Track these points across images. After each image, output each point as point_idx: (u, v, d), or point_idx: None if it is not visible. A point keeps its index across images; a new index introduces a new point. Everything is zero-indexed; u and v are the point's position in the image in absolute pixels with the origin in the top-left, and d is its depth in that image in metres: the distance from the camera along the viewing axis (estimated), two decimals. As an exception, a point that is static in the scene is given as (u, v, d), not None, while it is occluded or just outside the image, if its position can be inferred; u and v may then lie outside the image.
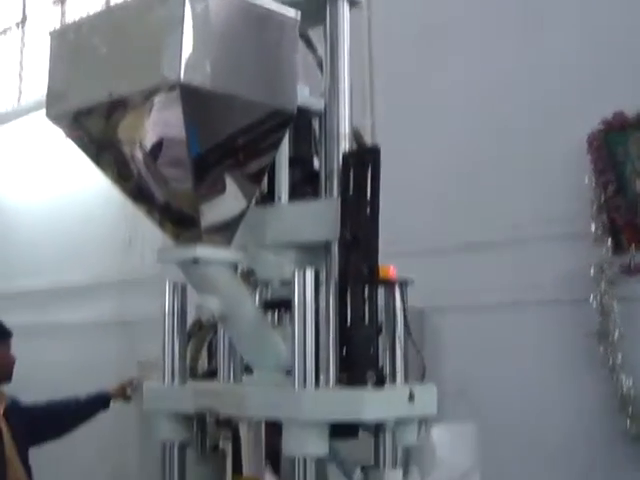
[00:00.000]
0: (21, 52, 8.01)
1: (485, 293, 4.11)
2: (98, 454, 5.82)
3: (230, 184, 2.31)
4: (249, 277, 2.37)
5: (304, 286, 2.16)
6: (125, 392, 5.08)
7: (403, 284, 2.23)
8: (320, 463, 2.22)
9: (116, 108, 2.17)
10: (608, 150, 3.94)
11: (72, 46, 2.26)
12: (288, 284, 2.26)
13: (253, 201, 2.38)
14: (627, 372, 3.74)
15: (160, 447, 2.51)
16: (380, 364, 2.29)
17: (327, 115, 2.45)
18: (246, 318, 2.31)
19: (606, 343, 3.77)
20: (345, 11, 2.45)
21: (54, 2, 7.75)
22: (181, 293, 2.49)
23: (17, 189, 7.12)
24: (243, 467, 2.52)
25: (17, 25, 8.14)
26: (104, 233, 6.03)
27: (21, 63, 7.95)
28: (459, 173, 4.24)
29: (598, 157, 3.94)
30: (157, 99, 2.06)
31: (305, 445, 2.15)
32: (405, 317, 2.25)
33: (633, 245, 3.82)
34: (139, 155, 2.24)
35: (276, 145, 2.33)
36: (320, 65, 2.55)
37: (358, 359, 2.21)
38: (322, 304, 2.22)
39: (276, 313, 2.46)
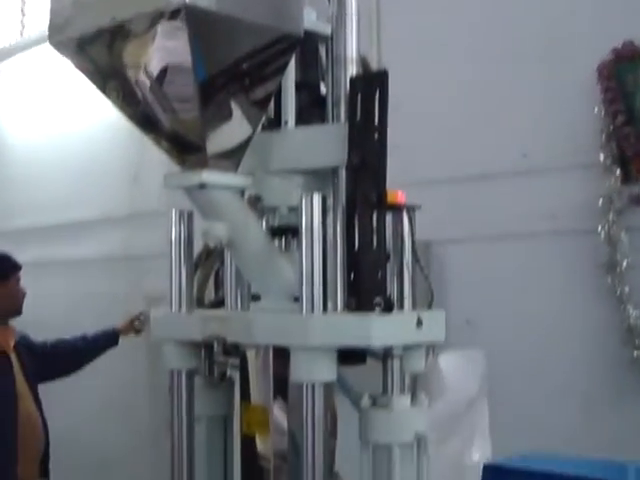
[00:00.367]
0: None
1: (492, 224, 4.09)
2: (108, 390, 5.85)
3: (236, 110, 2.29)
4: (256, 203, 2.36)
5: (311, 211, 2.14)
6: (134, 326, 5.11)
7: (411, 210, 2.21)
8: (328, 389, 2.22)
9: (120, 33, 2.14)
10: (618, 80, 3.90)
11: (74, -29, 2.22)
12: (295, 210, 2.25)
13: (260, 126, 2.36)
14: (635, 303, 3.74)
15: (168, 375, 2.51)
16: (388, 291, 2.29)
17: (334, 40, 2.41)
18: (253, 244, 2.30)
19: (614, 274, 3.77)
20: None
21: None
22: (187, 221, 2.48)
23: (22, 126, 7.08)
24: (251, 395, 2.53)
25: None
26: (110, 169, 6.00)
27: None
28: (467, 102, 4.20)
29: (608, 87, 3.90)
30: (162, 22, 2.03)
31: (313, 371, 2.15)
32: (413, 243, 2.24)
33: (642, 175, 3.80)
34: (144, 81, 2.21)
35: (282, 70, 2.30)
36: (327, -11, 2.51)
37: (366, 284, 2.20)
38: (329, 230, 2.21)
39: (283, 240, 2.45)
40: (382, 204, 2.16)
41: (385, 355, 2.24)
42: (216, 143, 2.23)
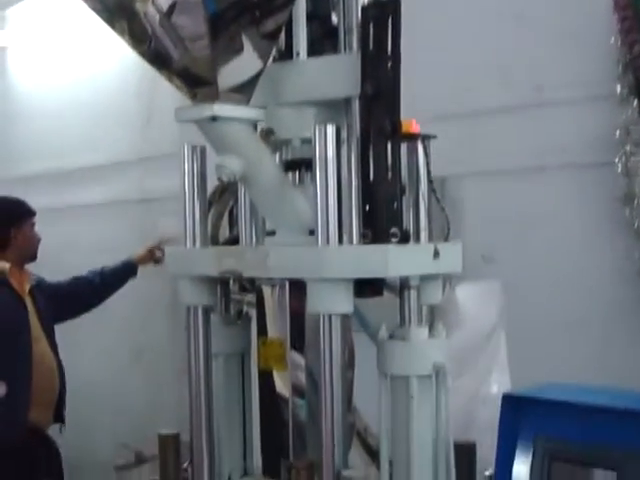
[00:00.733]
0: None
1: (508, 159, 4.05)
2: (123, 329, 5.87)
3: (247, 43, 2.26)
4: (268, 137, 2.33)
5: (325, 143, 2.11)
6: (152, 256, 5.10)
7: (426, 139, 2.18)
8: (345, 321, 2.22)
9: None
10: (635, 9, 3.84)
11: None
12: (308, 142, 2.22)
13: (271, 59, 2.33)
14: (652, 235, 3.71)
15: (184, 312, 2.51)
16: (404, 223, 2.27)
17: (344, -33, 2.37)
18: (267, 178, 2.28)
19: (631, 206, 3.72)
20: None
21: None
22: (200, 156, 2.46)
23: (32, 72, 7.04)
24: (268, 329, 2.52)
25: None
26: (122, 113, 5.96)
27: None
28: (480, 34, 4.13)
29: (624, 16, 3.83)
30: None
31: (330, 303, 2.14)
32: (428, 173, 2.21)
33: (659, 106, 3.75)
34: (154, 14, 2.19)
35: (292, 1, 2.27)
36: None
37: (381, 215, 2.17)
38: (344, 162, 2.19)
39: (297, 174, 2.43)
40: (396, 134, 2.13)
41: (402, 286, 2.23)
42: (227, 77, 2.21)
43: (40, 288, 5.06)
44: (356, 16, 2.29)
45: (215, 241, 2.76)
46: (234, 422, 2.67)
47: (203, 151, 2.46)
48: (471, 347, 2.59)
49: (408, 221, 2.27)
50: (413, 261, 2.18)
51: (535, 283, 3.79)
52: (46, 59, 6.82)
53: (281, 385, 2.59)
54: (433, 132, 2.26)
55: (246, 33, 2.23)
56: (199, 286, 2.46)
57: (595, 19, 3.85)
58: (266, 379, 2.57)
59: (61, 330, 5.16)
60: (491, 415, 2.32)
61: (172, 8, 2.18)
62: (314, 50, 2.38)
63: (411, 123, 2.15)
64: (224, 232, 3.19)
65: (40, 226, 5.11)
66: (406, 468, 2.20)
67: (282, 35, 2.36)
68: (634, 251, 3.67)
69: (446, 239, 2.32)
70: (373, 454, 2.83)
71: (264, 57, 2.28)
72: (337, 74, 2.27)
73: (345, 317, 2.21)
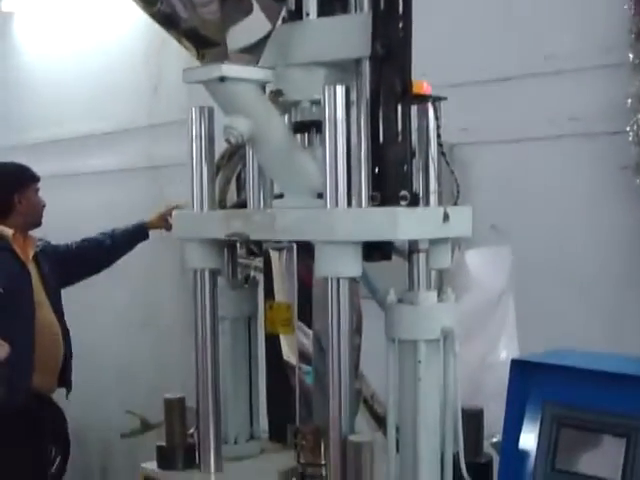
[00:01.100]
0: None
1: (518, 127, 4.01)
2: (131, 296, 5.87)
3: (256, 4, 2.24)
4: (277, 98, 2.30)
5: (334, 104, 2.09)
6: (164, 221, 5.06)
7: (437, 100, 2.15)
8: (353, 285, 2.20)
9: None
10: (648, -24, 3.79)
11: None
12: (318, 104, 2.20)
13: (280, 19, 2.30)
14: (662, 206, 3.68)
15: (192, 275, 2.50)
16: (414, 187, 2.24)
17: None
18: (275, 139, 2.26)
19: (642, 176, 3.70)
20: None
21: None
22: (208, 117, 2.43)
23: (39, 39, 7.00)
24: (275, 293, 2.51)
25: None
26: (129, 80, 5.93)
27: None
28: (489, 3, 4.09)
29: (637, -17, 3.79)
30: None
31: (338, 265, 2.12)
32: (438, 135, 2.18)
33: (672, 69, 3.71)
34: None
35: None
36: None
37: (391, 178, 2.15)
38: (353, 123, 2.16)
39: (306, 136, 2.40)
40: (407, 95, 2.10)
41: (410, 250, 2.21)
42: (236, 38, 2.19)
43: (45, 253, 5.04)
44: (367, -25, 2.26)
45: (223, 206, 2.75)
46: (240, 386, 2.66)
47: (211, 113, 2.43)
48: (480, 312, 2.57)
49: (417, 185, 2.26)
50: (422, 224, 2.16)
51: (545, 251, 3.77)
52: (53, 25, 6.78)
53: (288, 353, 2.58)
54: (443, 100, 2.24)
55: (255, -7, 2.21)
56: (206, 249, 2.44)
57: (608, -14, 3.80)
58: (273, 343, 2.56)
59: (69, 296, 5.16)
60: (499, 381, 2.30)
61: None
62: (324, 10, 2.34)
63: (422, 84, 2.12)
64: (232, 197, 3.18)
65: (47, 194, 5.09)
66: (413, 434, 2.19)
67: (291, -5, 2.33)
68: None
69: (455, 203, 2.30)
70: (380, 421, 2.83)
71: (273, 18, 2.26)
72: (347, 34, 2.24)
73: (353, 281, 2.19)
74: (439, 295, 2.23)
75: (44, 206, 5.02)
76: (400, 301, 2.21)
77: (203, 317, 2.47)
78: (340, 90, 2.08)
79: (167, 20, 2.26)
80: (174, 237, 2.55)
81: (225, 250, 2.59)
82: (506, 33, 4.06)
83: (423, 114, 2.18)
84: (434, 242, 2.22)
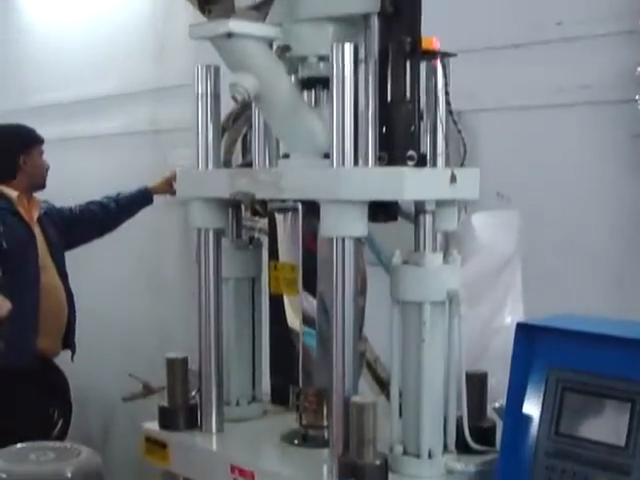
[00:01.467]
0: None
1: (527, 95, 3.97)
2: (135, 261, 5.85)
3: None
4: (284, 54, 2.27)
5: (342, 61, 2.06)
6: (169, 186, 5.04)
7: (445, 57, 2.12)
8: (358, 246, 2.18)
9: None
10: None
11: None
12: (325, 60, 2.17)
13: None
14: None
15: (196, 235, 2.48)
16: (421, 148, 2.22)
17: None
18: (281, 96, 2.23)
19: (651, 144, 3.67)
20: None
21: None
22: (214, 75, 2.40)
23: (44, 2, 6.95)
24: (279, 253, 2.49)
25: None
26: (134, 43, 5.87)
27: None
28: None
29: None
30: None
31: (343, 225, 2.10)
32: (447, 94, 2.15)
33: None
34: None
35: None
36: None
37: (398, 138, 2.13)
38: (361, 82, 2.13)
39: (313, 94, 2.37)
40: (416, 52, 2.07)
41: (417, 211, 2.19)
42: (243, -5, 2.15)
43: (50, 216, 5.03)
44: None
45: (228, 166, 2.72)
46: (243, 348, 2.65)
47: (217, 71, 2.41)
48: (486, 276, 2.55)
49: (425, 146, 2.23)
50: (429, 185, 2.13)
51: (552, 219, 3.74)
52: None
53: (293, 320, 2.56)
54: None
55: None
56: (211, 208, 2.43)
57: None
58: (277, 304, 2.54)
59: (73, 260, 5.15)
60: (504, 346, 2.28)
61: None
62: (332, -34, 2.31)
63: (432, 40, 2.08)
64: (237, 159, 3.15)
65: (50, 157, 5.07)
66: (416, 397, 2.18)
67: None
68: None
69: (462, 163, 2.28)
70: (383, 385, 2.82)
71: (281, -26, 2.22)
72: (356, -12, 2.20)
73: (358, 241, 2.17)
74: (445, 257, 2.21)
75: (48, 168, 5.00)
76: (405, 262, 2.20)
77: (207, 277, 2.46)
78: (348, 48, 2.06)
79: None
80: (178, 196, 2.52)
81: (230, 210, 2.57)
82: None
83: (432, 72, 2.15)
84: (441, 204, 2.20)
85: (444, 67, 2.13)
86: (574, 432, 2.08)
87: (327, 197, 2.10)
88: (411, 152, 2.11)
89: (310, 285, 2.41)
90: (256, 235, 2.72)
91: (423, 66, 2.16)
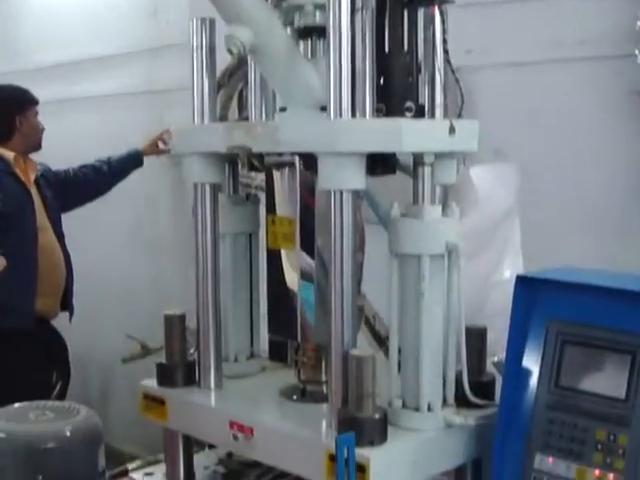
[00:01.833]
0: None
1: (525, 50, 3.94)
2: (132, 221, 5.84)
3: None
4: (280, 3, 2.24)
5: (339, 9, 2.02)
6: (156, 146, 5.08)
7: (443, 3, 2.09)
8: (356, 199, 2.15)
9: None
10: None
11: None
12: (322, 9, 2.14)
13: None
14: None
15: (192, 190, 2.46)
16: (419, 99, 2.19)
17: None
18: (277, 47, 2.19)
19: (650, 100, 3.64)
20: None
21: None
22: (209, 28, 2.37)
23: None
24: (277, 208, 2.46)
25: None
26: (129, 2, 5.83)
27: None
28: None
29: None
30: None
31: (341, 178, 2.08)
32: (444, 42, 2.12)
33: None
34: None
35: None
36: None
37: (396, 88, 2.11)
38: (358, 31, 2.10)
39: (310, 45, 2.33)
40: (414, 0, 2.04)
41: (415, 164, 2.16)
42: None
43: (46, 178, 5.02)
44: None
45: (224, 123, 2.69)
46: (241, 304, 2.64)
47: (212, 23, 2.38)
48: (484, 230, 2.53)
49: (423, 98, 2.21)
50: (428, 136, 2.11)
51: (550, 176, 3.72)
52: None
53: (292, 279, 2.53)
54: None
55: None
56: (207, 163, 2.41)
57: None
58: (274, 260, 2.52)
59: (69, 222, 5.14)
60: (502, 300, 2.27)
61: None
62: None
63: (429, -15, 2.05)
64: (233, 116, 3.13)
65: (45, 119, 5.06)
66: (416, 351, 2.17)
67: None
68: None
69: (459, 113, 2.25)
70: (381, 341, 2.81)
71: None
72: None
73: (356, 195, 2.14)
74: (444, 210, 2.19)
75: (43, 129, 4.99)
76: (404, 215, 2.18)
77: (204, 232, 2.44)
78: (345, -4, 2.02)
79: None
80: (174, 152, 2.50)
81: (226, 166, 2.54)
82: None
83: (429, 22, 2.12)
84: (439, 156, 2.18)
85: (442, 15, 2.10)
86: (574, 385, 2.08)
87: (325, 149, 2.08)
88: (409, 103, 2.09)
89: (308, 244, 2.39)
90: (253, 192, 2.70)
91: (421, 16, 2.13)
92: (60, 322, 5.18)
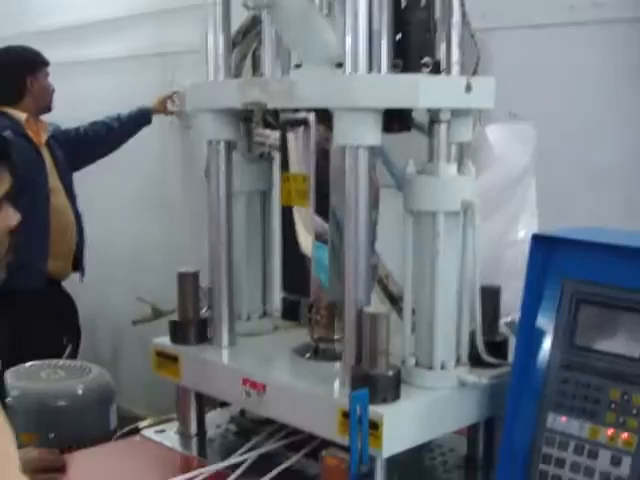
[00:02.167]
0: None
1: (539, 13, 3.91)
2: (143, 182, 5.83)
3: None
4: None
5: (356, -37, 2.00)
6: (164, 106, 5.10)
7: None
8: (372, 156, 2.14)
9: None
10: None
11: None
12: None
13: None
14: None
15: (206, 147, 2.45)
16: (436, 56, 2.18)
17: None
18: (294, 2, 2.17)
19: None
20: None
21: None
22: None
23: None
24: (290, 166, 2.45)
25: None
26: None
27: None
28: None
29: None
30: None
31: (357, 133, 2.06)
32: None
33: None
34: None
35: None
36: None
37: (414, 44, 2.09)
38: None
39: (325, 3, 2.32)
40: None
41: (431, 121, 2.15)
42: None
43: (57, 139, 5.03)
44: None
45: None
46: (254, 262, 2.64)
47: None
48: (500, 189, 2.51)
49: (440, 53, 2.19)
50: (445, 93, 2.09)
51: (562, 140, 3.70)
52: None
53: (306, 244, 2.52)
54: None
55: None
56: (221, 120, 2.39)
57: None
58: (288, 219, 2.52)
59: (80, 183, 5.15)
60: (517, 261, 2.27)
61: None
62: None
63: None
64: (247, 76, 3.10)
65: (55, 82, 5.05)
66: (430, 309, 2.16)
67: None
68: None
69: (475, 70, 2.23)
70: (394, 301, 2.81)
71: None
72: None
73: (372, 151, 2.13)
74: (459, 169, 2.17)
75: (54, 91, 4.98)
76: (419, 173, 2.16)
77: (217, 190, 2.43)
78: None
79: None
80: (188, 108, 2.49)
81: (240, 124, 2.53)
82: None
83: (446, -23, 2.11)
84: (455, 114, 2.16)
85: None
86: (588, 344, 2.07)
87: (341, 105, 2.06)
88: (426, 59, 2.07)
89: (321, 205, 2.39)
90: (266, 151, 2.69)
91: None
92: (71, 286, 5.19)
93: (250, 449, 2.46)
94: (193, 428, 2.62)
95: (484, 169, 2.34)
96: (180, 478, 2.32)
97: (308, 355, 2.44)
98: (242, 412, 2.70)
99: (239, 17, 2.32)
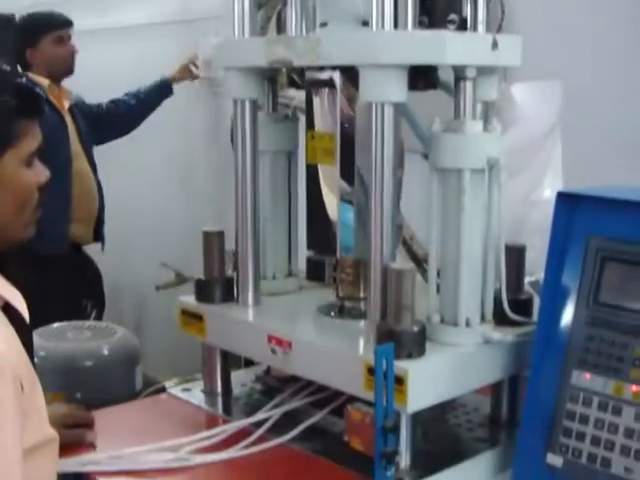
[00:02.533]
0: None
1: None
2: (165, 160, 5.84)
3: None
4: None
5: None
6: (188, 71, 5.05)
7: None
8: (397, 112, 2.14)
9: None
10: None
11: None
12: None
13: None
14: None
15: (232, 105, 2.46)
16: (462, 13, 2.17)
17: None
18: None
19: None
20: None
21: None
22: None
23: None
24: (315, 125, 2.46)
25: None
26: None
27: None
28: None
29: None
30: None
31: (383, 90, 2.06)
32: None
33: None
34: None
35: None
36: None
37: (439, 1, 2.08)
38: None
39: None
40: None
41: (457, 79, 2.15)
42: None
43: (80, 109, 5.03)
44: None
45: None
46: (279, 222, 2.65)
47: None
48: (525, 148, 2.51)
49: (466, 13, 2.18)
50: (471, 50, 2.09)
51: (585, 94, 3.66)
52: None
53: (329, 196, 2.53)
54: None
55: None
56: (247, 78, 2.40)
57: None
58: (313, 179, 2.53)
59: (104, 154, 5.16)
60: (542, 219, 2.26)
61: None
62: None
63: None
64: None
65: (81, 48, 5.03)
66: (455, 266, 2.16)
67: None
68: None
69: (500, 26, 2.23)
70: (419, 262, 2.81)
71: None
72: None
73: (398, 108, 2.13)
74: (485, 127, 2.17)
75: (72, 52, 4.95)
76: (445, 131, 2.17)
77: (243, 149, 2.44)
78: None
79: None
80: (214, 67, 2.49)
81: (266, 83, 2.53)
82: None
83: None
84: (481, 71, 2.16)
85: None
86: (613, 301, 2.07)
87: (367, 61, 2.06)
88: (452, 16, 2.07)
89: (345, 165, 2.39)
90: (292, 111, 2.69)
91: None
92: (94, 254, 5.22)
93: (275, 406, 2.48)
94: (219, 387, 2.64)
95: (509, 128, 2.33)
96: (205, 434, 2.34)
97: (333, 313, 2.45)
98: (267, 371, 2.72)
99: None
